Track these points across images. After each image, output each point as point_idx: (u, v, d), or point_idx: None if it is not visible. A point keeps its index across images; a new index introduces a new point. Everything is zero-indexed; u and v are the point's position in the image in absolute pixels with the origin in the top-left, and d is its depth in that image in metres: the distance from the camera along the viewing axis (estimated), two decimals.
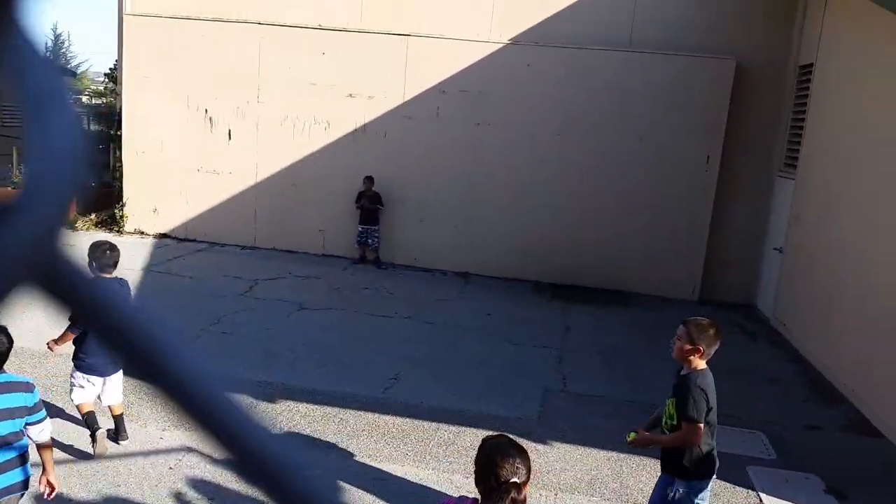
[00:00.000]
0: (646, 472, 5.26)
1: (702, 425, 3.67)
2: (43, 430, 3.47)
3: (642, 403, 6.54)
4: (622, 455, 5.48)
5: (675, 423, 3.77)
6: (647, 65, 10.59)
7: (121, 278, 4.94)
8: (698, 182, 10.73)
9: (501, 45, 10.88)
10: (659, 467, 4.08)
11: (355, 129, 11.40)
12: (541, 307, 9.84)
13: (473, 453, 5.27)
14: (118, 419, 5.10)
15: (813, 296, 8.42)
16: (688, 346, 3.76)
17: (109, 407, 5.10)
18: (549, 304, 10.03)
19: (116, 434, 5.06)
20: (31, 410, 3.40)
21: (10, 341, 3.45)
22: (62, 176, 0.17)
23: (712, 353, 3.86)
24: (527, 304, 9.93)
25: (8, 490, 3.33)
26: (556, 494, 4.89)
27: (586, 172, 10.88)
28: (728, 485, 5.18)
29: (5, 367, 3.44)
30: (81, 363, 4.88)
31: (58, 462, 4.68)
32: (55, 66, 0.19)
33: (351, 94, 11.30)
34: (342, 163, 11.41)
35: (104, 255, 4.65)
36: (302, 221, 11.66)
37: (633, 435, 4.00)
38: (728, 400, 6.79)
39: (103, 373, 4.92)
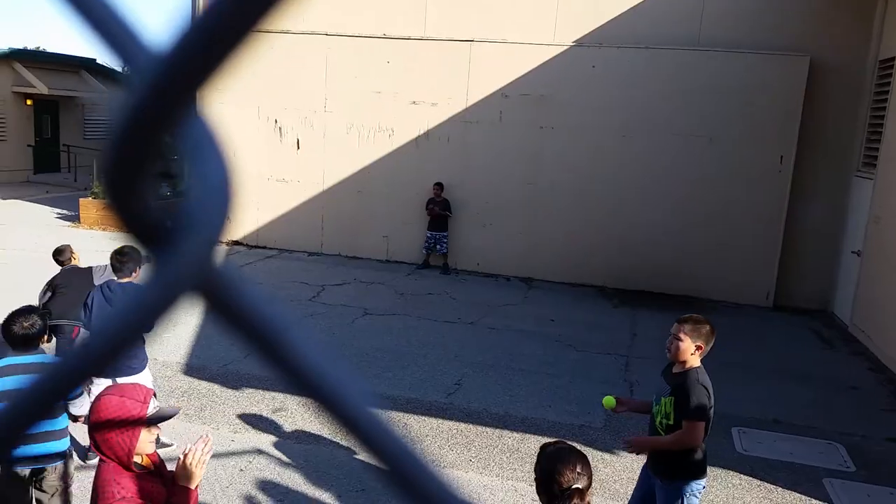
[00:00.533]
0: (717, 483, 5.12)
1: (703, 423, 3.64)
2: (83, 406, 3.65)
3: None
4: None
5: (671, 423, 3.67)
6: (716, 63, 10.31)
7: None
8: (771, 183, 10.38)
9: (565, 48, 10.81)
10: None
11: (418, 136, 11.52)
12: (606, 313, 9.70)
13: None
14: None
15: (895, 300, 8.02)
16: (688, 345, 3.71)
17: None
18: (615, 310, 9.88)
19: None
20: None
21: (45, 324, 3.69)
22: (217, 207, 0.20)
23: (708, 350, 3.86)
24: (592, 309, 9.81)
25: (43, 459, 3.59)
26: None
27: (653, 175, 10.68)
28: (804, 497, 4.99)
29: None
30: None
31: None
32: (211, 121, 0.22)
33: (414, 102, 11.43)
34: (406, 169, 11.55)
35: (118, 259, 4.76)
36: (367, 228, 11.85)
37: (610, 400, 3.95)
38: (804, 409, 6.57)
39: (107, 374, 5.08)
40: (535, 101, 10.96)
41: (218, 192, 0.20)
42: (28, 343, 3.60)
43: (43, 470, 3.66)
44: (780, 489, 5.08)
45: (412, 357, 7.39)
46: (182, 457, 2.42)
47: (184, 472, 2.39)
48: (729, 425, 6.11)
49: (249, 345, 0.26)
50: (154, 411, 3.22)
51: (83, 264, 6.19)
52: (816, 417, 6.41)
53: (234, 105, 12.04)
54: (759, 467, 5.40)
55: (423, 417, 5.92)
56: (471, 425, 5.85)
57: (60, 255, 6.06)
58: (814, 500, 4.97)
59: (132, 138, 0.20)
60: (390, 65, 11.43)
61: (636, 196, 10.76)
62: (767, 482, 5.17)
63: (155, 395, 5.18)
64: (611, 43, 10.64)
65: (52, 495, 3.68)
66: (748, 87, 10.23)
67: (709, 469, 5.26)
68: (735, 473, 5.27)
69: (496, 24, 11.04)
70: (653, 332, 8.94)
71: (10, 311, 3.74)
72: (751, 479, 5.21)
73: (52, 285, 5.77)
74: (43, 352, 3.72)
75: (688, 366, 3.75)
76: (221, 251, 0.22)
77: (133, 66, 0.21)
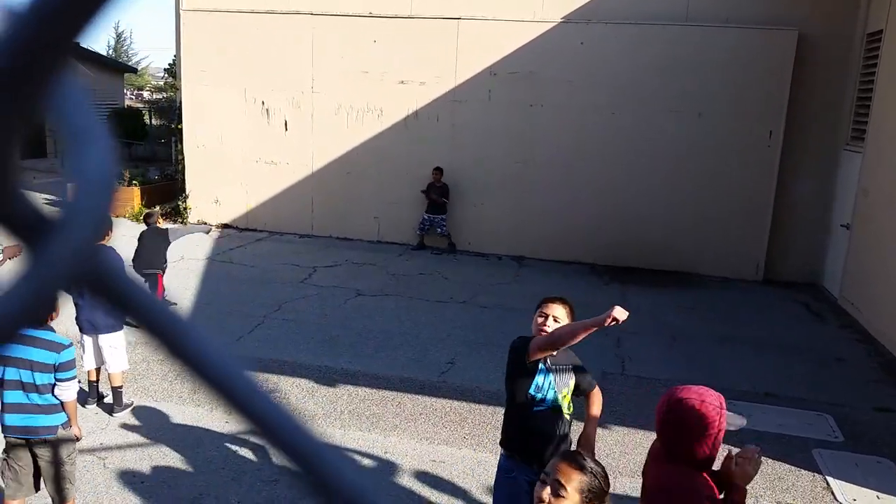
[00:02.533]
0: None
1: None
2: (67, 390, 3.73)
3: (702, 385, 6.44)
4: None
5: (569, 403, 3.53)
6: (704, 38, 10.28)
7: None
8: (761, 158, 10.41)
9: (553, 24, 10.74)
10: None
11: (407, 116, 11.46)
12: (598, 290, 9.74)
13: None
14: (115, 391, 5.40)
15: (884, 273, 8.09)
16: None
17: (109, 375, 5.41)
18: (606, 287, 9.92)
19: (111, 405, 5.42)
20: (58, 368, 3.67)
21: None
22: (96, 199, 0.20)
23: None
24: (583, 287, 9.85)
25: (28, 430, 3.67)
26: (615, 478, 4.86)
27: (643, 151, 10.68)
28: (793, 468, 5.06)
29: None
30: (76, 320, 5.32)
31: (131, 446, 4.92)
32: (90, 106, 0.21)
33: (403, 81, 11.35)
34: (395, 150, 11.50)
35: None
36: (357, 209, 11.82)
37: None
38: (794, 381, 6.64)
39: (89, 331, 5.28)
40: (523, 78, 10.91)
41: (98, 181, 0.19)
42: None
43: (40, 442, 3.72)
44: (769, 460, 5.14)
45: (405, 337, 7.40)
46: (740, 458, 2.55)
47: (743, 472, 2.53)
48: None
49: (146, 336, 0.26)
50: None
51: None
52: (805, 389, 6.49)
53: (221, 87, 11.92)
54: (749, 439, 5.46)
55: (417, 396, 5.95)
56: (464, 403, 5.89)
57: (149, 217, 7.81)
58: (803, 471, 5.05)
59: None
60: (377, 44, 11.34)
61: (625, 172, 10.77)
62: None
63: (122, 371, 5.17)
64: (598, 19, 10.58)
65: (50, 467, 3.73)
66: (736, 62, 10.21)
67: None
68: (725, 445, 5.33)
69: (483, 1, 10.95)
70: (644, 308, 9.00)
71: None
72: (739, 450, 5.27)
73: (139, 240, 7.41)
74: (51, 328, 3.73)
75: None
76: (100, 244, 0.22)
77: None
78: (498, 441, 5.32)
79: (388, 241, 11.79)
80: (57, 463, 3.75)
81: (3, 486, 3.73)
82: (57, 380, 3.67)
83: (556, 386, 3.42)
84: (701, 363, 7.03)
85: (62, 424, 3.78)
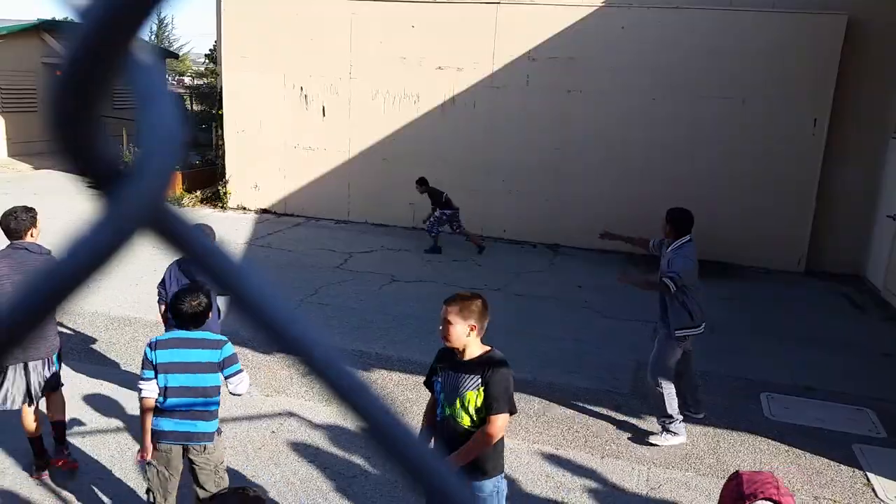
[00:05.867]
0: (744, 448, 5.12)
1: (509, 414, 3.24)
2: (241, 383, 3.65)
3: (740, 378, 6.35)
4: (719, 430, 5.36)
5: (480, 418, 3.17)
6: (749, 23, 10.03)
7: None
8: (805, 146, 10.15)
9: (594, 8, 10.59)
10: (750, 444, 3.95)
11: (444, 102, 11.44)
12: (642, 278, 9.63)
13: (564, 425, 5.30)
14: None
15: None
16: (462, 328, 3.27)
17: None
18: (652, 276, 9.80)
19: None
20: (222, 365, 3.60)
21: (210, 301, 3.70)
22: (165, 151, 0.21)
23: (484, 329, 3.35)
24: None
25: (191, 436, 3.58)
26: (648, 469, 4.85)
27: (684, 139, 10.50)
28: (832, 463, 4.97)
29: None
30: None
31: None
32: (158, 71, 0.24)
33: (440, 67, 11.33)
34: (432, 136, 11.50)
35: None
36: (393, 195, 11.86)
37: None
38: (834, 375, 6.51)
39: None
40: (563, 63, 10.79)
41: (166, 138, 0.21)
42: (196, 320, 3.63)
43: (196, 448, 3.63)
44: (808, 454, 5.06)
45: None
46: None
47: None
48: (758, 391, 6.10)
49: (204, 276, 0.28)
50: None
51: None
52: (847, 383, 6.35)
53: (260, 73, 12.04)
54: (788, 433, 5.38)
55: None
56: None
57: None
58: (843, 466, 4.95)
59: (77, 83, 0.21)
60: (415, 29, 11.32)
61: (665, 160, 10.60)
62: (796, 447, 5.15)
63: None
64: (641, 3, 10.40)
65: (204, 472, 3.66)
66: (782, 47, 9.95)
67: (737, 434, 5.29)
68: (763, 439, 5.27)
69: None
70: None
71: (178, 290, 3.76)
72: (778, 444, 5.20)
73: None
74: (209, 328, 3.74)
75: (479, 351, 3.29)
76: (169, 193, 0.24)
77: (76, 11, 0.22)
78: (528, 429, 5.34)
79: (424, 228, 11.81)
80: (211, 467, 3.68)
81: (153, 494, 3.65)
82: (227, 376, 3.63)
83: (448, 399, 3.29)
84: (739, 355, 6.93)
85: (217, 430, 3.74)
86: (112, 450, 4.72)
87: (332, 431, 5.09)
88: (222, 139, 12.87)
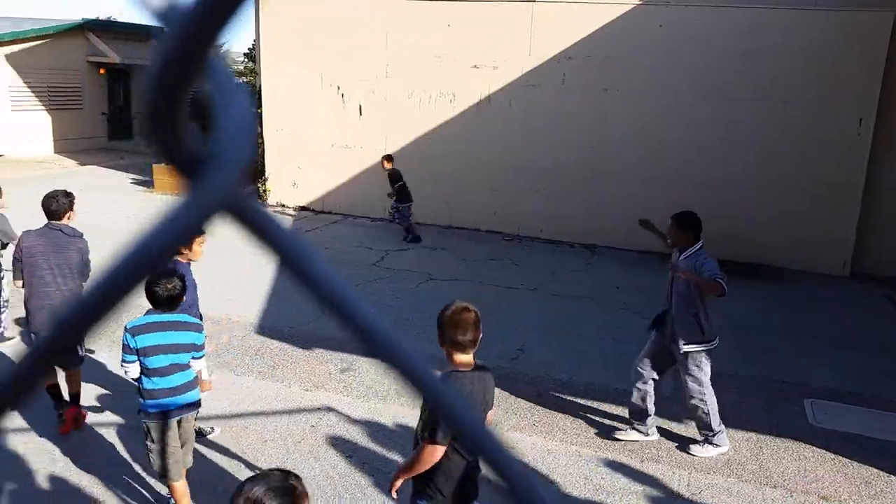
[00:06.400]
0: (788, 455, 5.03)
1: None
2: (199, 365, 4.03)
3: (780, 382, 6.24)
4: (762, 436, 5.27)
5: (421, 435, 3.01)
6: (790, 22, 9.83)
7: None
8: (849, 147, 9.91)
9: (631, 6, 10.48)
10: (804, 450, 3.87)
11: (480, 101, 11.43)
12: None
13: (601, 427, 5.26)
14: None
15: None
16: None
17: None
18: None
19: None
20: (198, 347, 3.93)
21: (184, 285, 3.91)
22: (241, 144, 0.24)
23: (469, 340, 3.11)
24: (656, 276, 9.63)
25: (188, 407, 3.94)
26: (689, 474, 4.79)
27: (723, 139, 10.34)
28: (881, 473, 4.85)
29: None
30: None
31: (211, 418, 5.14)
32: (233, 74, 0.26)
33: (476, 66, 11.32)
34: (466, 134, 11.50)
35: None
36: (428, 193, 11.88)
37: None
38: (881, 381, 6.34)
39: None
40: (599, 62, 10.70)
41: (242, 132, 0.24)
42: (171, 303, 3.84)
43: (189, 417, 3.99)
44: (854, 463, 4.95)
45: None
46: None
47: None
48: (802, 396, 5.98)
49: (276, 260, 0.30)
50: None
51: None
52: (894, 390, 6.19)
53: (298, 72, 12.16)
54: (833, 440, 5.27)
55: None
56: (534, 390, 5.88)
57: None
58: (893, 477, 4.83)
59: (166, 82, 0.23)
60: (451, 28, 11.33)
61: (704, 160, 10.45)
62: (842, 455, 5.04)
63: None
64: (678, 1, 10.25)
65: (189, 439, 4.02)
66: (825, 46, 9.74)
67: (780, 440, 5.19)
68: (807, 446, 5.16)
69: None
70: (720, 300, 8.75)
71: (152, 275, 3.93)
72: (824, 451, 5.09)
73: None
74: (184, 311, 3.97)
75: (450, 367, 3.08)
76: (244, 183, 0.26)
77: (162, 19, 0.25)
78: (566, 430, 5.31)
79: (459, 225, 11.83)
80: (194, 432, 4.13)
81: (165, 469, 3.88)
82: (194, 357, 3.92)
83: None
84: (781, 360, 6.80)
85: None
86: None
87: (371, 427, 5.13)
88: (261, 137, 13.04)
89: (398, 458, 4.76)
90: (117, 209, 11.93)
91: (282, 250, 0.28)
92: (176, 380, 3.83)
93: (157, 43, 0.24)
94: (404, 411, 5.30)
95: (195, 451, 4.69)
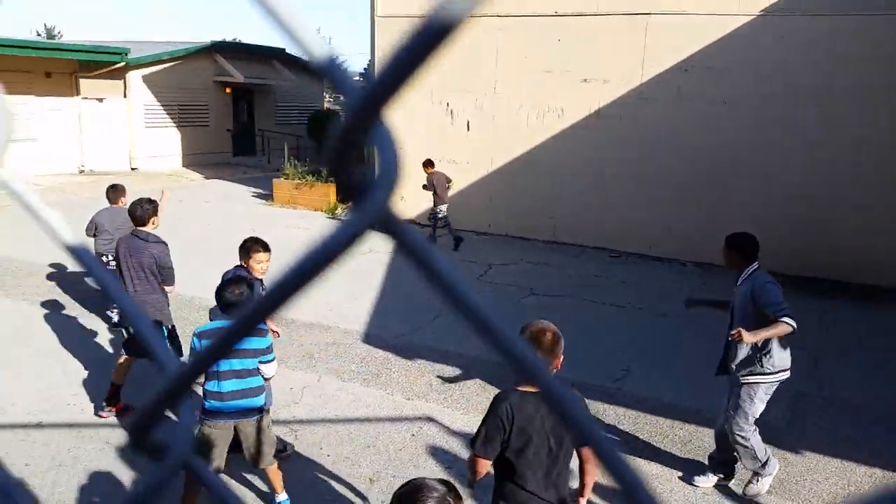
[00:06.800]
0: None
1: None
2: (271, 368, 4.08)
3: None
4: (889, 472, 4.86)
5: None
6: None
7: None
8: None
9: (751, 17, 10.05)
10: None
11: (589, 115, 11.28)
12: (791, 303, 8.99)
13: (706, 453, 5.02)
14: None
15: None
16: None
17: None
18: (802, 300, 9.12)
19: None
20: (263, 352, 4.00)
21: (252, 292, 4.06)
22: (392, 172, 0.31)
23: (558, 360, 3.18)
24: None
25: (247, 412, 4.02)
26: None
27: (848, 154, 9.68)
28: None
29: None
30: None
31: (317, 421, 5.31)
32: (386, 120, 0.32)
33: (586, 79, 11.20)
34: (576, 149, 11.38)
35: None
36: (534, 208, 11.85)
37: None
38: None
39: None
40: (717, 74, 10.32)
41: (393, 166, 0.31)
42: (237, 308, 3.97)
43: (249, 422, 4.06)
44: None
45: (578, 339, 7.30)
46: None
47: None
48: None
49: (420, 273, 0.33)
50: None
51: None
52: None
53: (409, 89, 12.45)
54: None
55: (590, 401, 5.85)
56: (639, 413, 5.70)
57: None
58: None
59: (346, 134, 0.30)
60: (561, 43, 11.27)
61: (827, 177, 9.83)
62: None
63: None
64: (803, 10, 9.73)
65: (252, 444, 4.08)
66: None
67: None
68: None
69: None
70: (843, 324, 8.20)
71: (224, 280, 4.17)
72: None
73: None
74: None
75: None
76: (395, 204, 0.32)
77: (343, 94, 0.32)
78: (672, 455, 5.11)
79: (564, 241, 11.70)
80: (259, 437, 4.13)
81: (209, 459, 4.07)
82: (261, 363, 4.02)
83: None
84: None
85: (266, 405, 4.17)
86: None
87: (468, 440, 5.13)
88: (372, 153, 13.44)
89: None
90: (237, 219, 12.64)
91: (428, 268, 0.33)
92: (229, 385, 3.94)
93: (343, 109, 0.31)
94: None
95: (299, 453, 4.86)
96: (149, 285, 5.26)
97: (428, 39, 0.28)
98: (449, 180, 11.13)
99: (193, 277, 7.47)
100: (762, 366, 4.36)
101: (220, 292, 4.05)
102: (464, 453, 4.96)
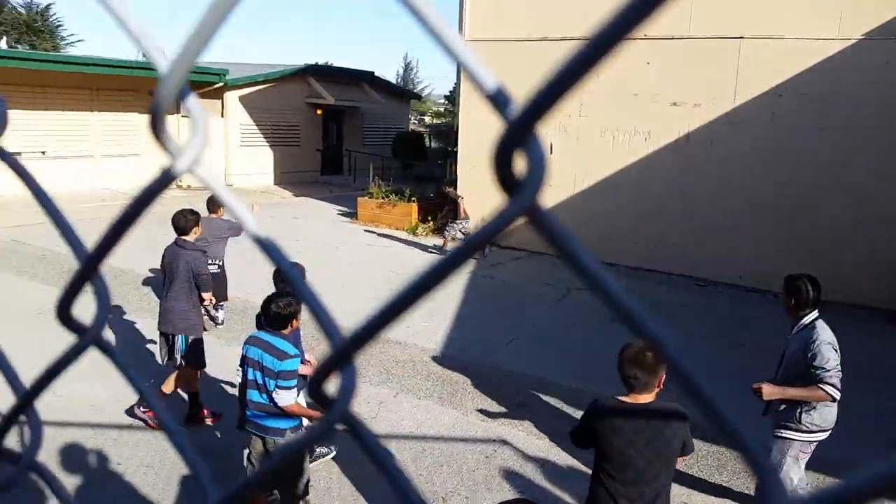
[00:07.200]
0: None
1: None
2: (283, 398, 3.84)
3: None
4: None
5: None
6: None
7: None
8: None
9: (852, 42, 9.61)
10: None
11: (678, 139, 11.04)
12: (888, 339, 8.45)
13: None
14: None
15: None
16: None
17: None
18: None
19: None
20: (277, 375, 3.82)
21: (297, 308, 3.97)
22: (537, 177, 0.34)
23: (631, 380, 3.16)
24: (881, 341, 8.59)
25: (262, 429, 3.94)
26: None
27: None
28: None
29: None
30: None
31: (391, 437, 5.35)
32: (540, 132, 0.36)
33: (675, 103, 10.98)
34: (662, 173, 11.14)
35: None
36: (618, 233, 11.64)
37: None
38: None
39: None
40: (814, 100, 9.90)
41: (541, 167, 0.34)
42: (278, 321, 3.93)
43: (270, 442, 3.96)
44: None
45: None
46: None
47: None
48: None
49: (564, 263, 0.35)
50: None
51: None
52: None
53: (494, 112, 12.55)
54: None
55: None
56: (721, 449, 5.47)
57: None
58: None
59: (507, 142, 0.34)
60: (650, 66, 11.10)
61: None
62: None
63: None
64: None
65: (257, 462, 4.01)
66: None
67: None
68: None
69: (769, 18, 10.17)
70: None
71: (273, 293, 4.12)
72: None
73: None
74: (284, 337, 3.97)
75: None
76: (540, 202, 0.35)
77: (504, 112, 0.37)
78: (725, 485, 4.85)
79: (648, 267, 11.43)
80: (267, 454, 3.99)
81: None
82: (278, 387, 3.83)
83: None
84: None
85: (291, 428, 3.95)
86: None
87: (544, 466, 5.06)
88: (455, 174, 13.58)
89: (569, 499, 4.66)
90: (323, 235, 13.01)
91: (567, 254, 0.35)
92: (254, 395, 3.92)
93: (503, 120, 0.35)
94: (580, 453, 5.17)
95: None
96: (181, 293, 5.41)
97: (582, 63, 0.33)
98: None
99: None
100: (800, 422, 3.97)
101: (264, 304, 4.00)
102: (538, 478, 4.89)
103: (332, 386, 0.42)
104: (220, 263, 7.55)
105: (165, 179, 0.44)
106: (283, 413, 3.89)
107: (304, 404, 4.10)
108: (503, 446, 5.33)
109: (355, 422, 0.43)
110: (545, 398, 6.23)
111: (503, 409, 5.96)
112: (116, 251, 0.48)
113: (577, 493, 4.69)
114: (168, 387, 5.48)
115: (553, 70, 0.33)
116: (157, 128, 0.40)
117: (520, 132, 0.35)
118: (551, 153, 12.19)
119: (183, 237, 5.52)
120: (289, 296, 4.00)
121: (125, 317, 7.86)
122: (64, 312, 0.51)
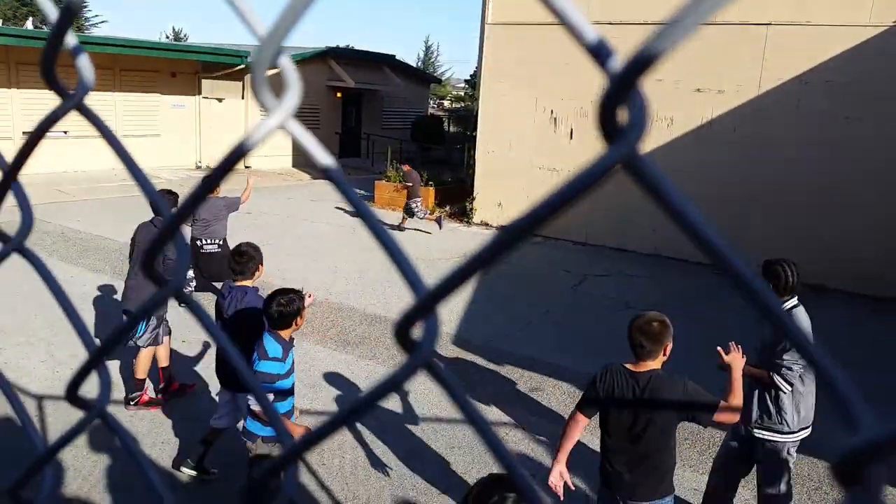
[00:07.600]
0: None
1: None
2: (253, 401, 3.56)
3: None
4: None
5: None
6: None
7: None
8: None
9: (883, 29, 9.40)
10: None
11: (700, 125, 10.89)
12: None
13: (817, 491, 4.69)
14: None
15: None
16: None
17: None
18: None
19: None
20: (264, 377, 3.53)
21: (300, 306, 3.70)
22: (642, 123, 0.33)
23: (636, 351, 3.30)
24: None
25: (248, 433, 3.73)
26: None
27: None
28: None
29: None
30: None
31: (411, 420, 5.35)
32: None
33: (699, 89, 10.82)
34: (683, 159, 10.99)
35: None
36: (634, 220, 11.52)
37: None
38: None
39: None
40: (841, 88, 9.71)
41: (642, 117, 0.33)
42: (281, 320, 3.64)
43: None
44: None
45: (679, 358, 7.02)
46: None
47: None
48: None
49: (656, 203, 0.35)
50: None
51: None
52: None
53: (515, 97, 12.45)
54: None
55: (684, 424, 5.61)
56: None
57: None
58: None
59: (612, 95, 0.34)
60: (674, 52, 10.90)
61: None
62: None
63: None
64: None
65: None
66: None
67: None
68: None
69: (798, 4, 9.96)
70: None
71: (274, 291, 3.80)
72: None
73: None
74: (279, 338, 3.69)
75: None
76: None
77: (608, 70, 0.36)
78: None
79: (666, 255, 11.32)
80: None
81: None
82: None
83: None
84: None
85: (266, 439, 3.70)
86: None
87: (554, 447, 5.03)
88: (473, 159, 13.51)
89: (582, 483, 4.64)
90: (338, 217, 13.03)
91: (660, 195, 0.35)
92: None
93: (604, 73, 0.35)
94: (592, 439, 5.14)
95: (392, 450, 4.92)
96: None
97: (683, 26, 0.32)
98: (421, 176, 12.61)
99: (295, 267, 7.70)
100: (780, 419, 3.92)
101: (267, 302, 3.68)
102: (548, 461, 4.87)
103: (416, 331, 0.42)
104: (220, 242, 7.59)
105: (262, 133, 0.46)
106: (253, 415, 3.67)
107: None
108: (515, 430, 5.31)
109: (436, 367, 0.42)
110: (557, 382, 6.20)
111: (516, 394, 5.94)
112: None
113: (587, 473, 4.67)
114: (140, 372, 5.35)
115: (658, 27, 0.33)
116: (256, 84, 0.44)
117: (622, 85, 0.34)
118: (571, 139, 12.09)
119: (158, 217, 5.48)
120: (291, 292, 3.73)
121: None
122: (149, 269, 0.52)
